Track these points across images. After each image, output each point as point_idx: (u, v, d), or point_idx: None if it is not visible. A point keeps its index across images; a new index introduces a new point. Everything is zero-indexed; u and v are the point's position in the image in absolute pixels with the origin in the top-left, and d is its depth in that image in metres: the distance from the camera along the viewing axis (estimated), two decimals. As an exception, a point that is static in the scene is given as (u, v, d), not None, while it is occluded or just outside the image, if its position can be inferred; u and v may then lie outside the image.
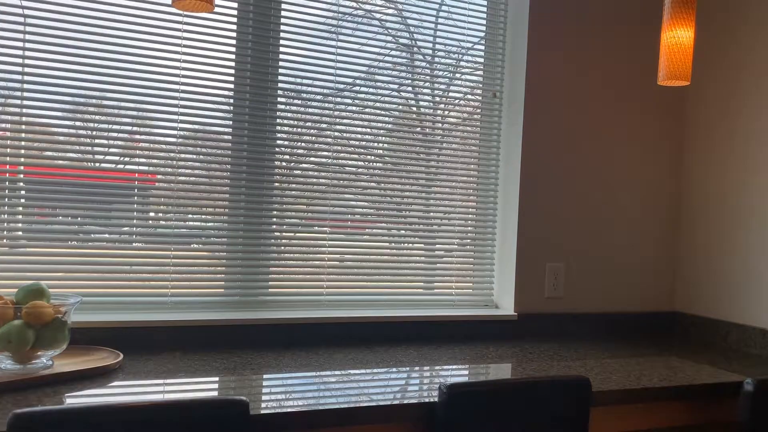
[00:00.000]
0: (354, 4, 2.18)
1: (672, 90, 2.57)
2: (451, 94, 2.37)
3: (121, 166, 1.96)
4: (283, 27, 2.08)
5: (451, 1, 2.31)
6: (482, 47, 2.38)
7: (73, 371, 1.52)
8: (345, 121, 2.17)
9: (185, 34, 1.95)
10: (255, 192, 2.06)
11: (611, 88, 2.46)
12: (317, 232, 2.15)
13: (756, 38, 2.30)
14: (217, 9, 1.99)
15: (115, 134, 1.93)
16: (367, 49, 2.19)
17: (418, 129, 2.30)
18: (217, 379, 1.59)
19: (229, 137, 2.03)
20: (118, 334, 1.83)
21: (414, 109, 2.31)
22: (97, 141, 1.92)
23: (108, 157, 1.94)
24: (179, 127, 1.96)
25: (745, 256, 2.31)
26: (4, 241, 1.84)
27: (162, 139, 1.95)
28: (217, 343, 1.93)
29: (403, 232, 2.29)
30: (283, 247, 2.11)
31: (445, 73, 2.35)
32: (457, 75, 2.36)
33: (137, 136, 1.95)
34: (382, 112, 2.23)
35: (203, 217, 2.03)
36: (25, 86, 1.81)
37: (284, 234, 2.11)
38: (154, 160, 1.96)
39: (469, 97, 2.38)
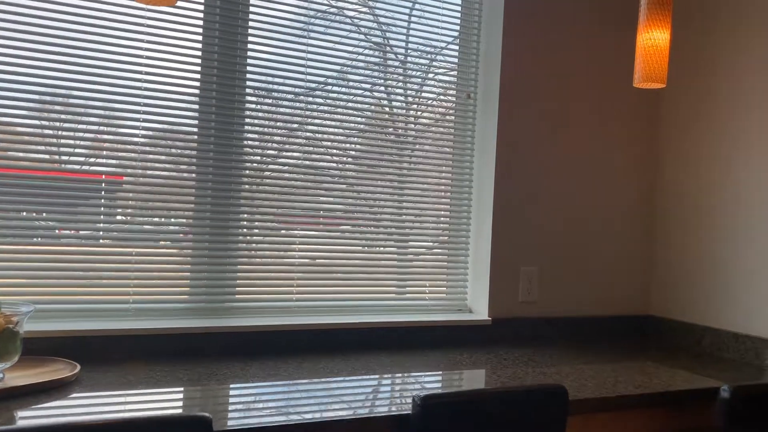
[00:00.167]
0: (326, 2, 2.12)
1: (647, 91, 2.56)
2: (424, 94, 2.32)
3: (86, 167, 1.87)
4: (251, 24, 2.00)
5: (424, 0, 2.27)
6: (456, 47, 2.34)
7: (25, 385, 1.43)
8: (316, 120, 2.11)
9: (150, 30, 1.87)
10: (222, 193, 1.99)
11: (586, 90, 2.44)
12: (287, 234, 2.09)
13: (729, 40, 2.30)
14: (183, 4, 1.91)
15: (81, 133, 1.84)
16: (339, 48, 2.13)
17: (391, 129, 2.24)
18: (181, 389, 1.52)
19: (195, 136, 1.95)
20: (75, 343, 1.74)
21: (387, 109, 2.26)
22: (53, 140, 1.83)
23: (72, 158, 1.85)
24: (142, 126, 1.87)
25: (719, 259, 2.31)
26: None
27: (126, 138, 1.87)
28: (181, 353, 1.85)
29: (375, 234, 2.23)
30: (252, 252, 2.04)
31: (419, 73, 2.30)
32: (431, 75, 2.31)
33: (102, 136, 1.86)
34: (355, 112, 2.17)
35: (168, 218, 1.95)
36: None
37: (253, 236, 2.04)
38: (113, 160, 1.87)
39: (443, 97, 2.34)
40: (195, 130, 1.95)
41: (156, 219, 1.93)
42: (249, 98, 2.01)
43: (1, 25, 1.73)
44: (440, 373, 1.83)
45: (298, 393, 1.55)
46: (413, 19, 2.27)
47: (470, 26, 2.34)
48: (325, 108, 2.12)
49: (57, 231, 1.84)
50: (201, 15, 1.94)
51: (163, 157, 1.92)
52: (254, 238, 2.04)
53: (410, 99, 2.30)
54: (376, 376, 1.74)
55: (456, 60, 2.34)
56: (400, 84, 2.27)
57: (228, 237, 1.99)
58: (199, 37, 1.94)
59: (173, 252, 1.95)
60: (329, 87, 2.12)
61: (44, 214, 1.82)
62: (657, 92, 2.59)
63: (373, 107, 2.22)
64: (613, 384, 1.77)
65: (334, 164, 2.15)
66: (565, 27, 2.39)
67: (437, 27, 2.29)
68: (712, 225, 2.34)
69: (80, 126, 1.84)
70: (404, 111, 2.28)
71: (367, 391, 1.61)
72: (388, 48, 2.24)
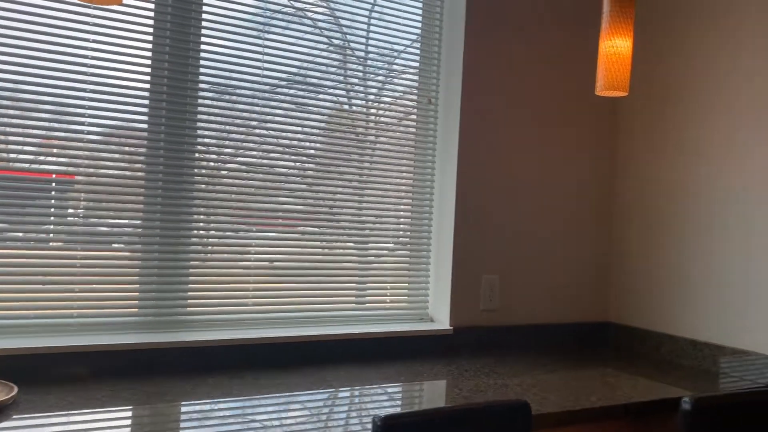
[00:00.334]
0: (284, 0, 2.05)
1: (607, 98, 2.56)
2: (384, 95, 2.27)
3: (36, 165, 1.76)
4: (205, 22, 1.92)
5: (384, 2, 2.21)
6: (418, 49, 2.29)
7: (-45, 411, 1.33)
8: (277, 118, 2.03)
9: (99, 23, 1.77)
10: (173, 193, 1.89)
11: (548, 96, 2.43)
12: (243, 237, 2.00)
13: (687, 47, 2.31)
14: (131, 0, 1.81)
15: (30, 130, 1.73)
16: (298, 47, 2.06)
17: (351, 133, 2.18)
18: (129, 410, 1.43)
19: (146, 133, 1.86)
20: (12, 363, 1.63)
21: (346, 107, 2.19)
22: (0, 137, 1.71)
23: (21, 156, 1.73)
24: (89, 122, 1.77)
25: (676, 265, 2.32)
26: None
27: (74, 135, 1.76)
28: (128, 371, 1.76)
29: (335, 236, 2.17)
30: (206, 256, 1.95)
31: (379, 73, 2.24)
32: (391, 76, 2.26)
33: (53, 133, 1.75)
34: (314, 111, 2.10)
35: (117, 221, 1.85)
36: None
37: (208, 239, 1.95)
38: (63, 159, 1.77)
39: (404, 100, 2.29)
40: (145, 126, 1.86)
41: (104, 222, 1.82)
42: (202, 95, 1.92)
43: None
44: (401, 386, 1.78)
45: (252, 412, 1.48)
46: (373, 20, 2.21)
47: (431, 29, 2.30)
48: (284, 107, 2.05)
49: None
50: (152, 10, 1.85)
51: (115, 156, 1.82)
52: (209, 240, 1.96)
53: (370, 100, 2.25)
54: (335, 392, 1.68)
55: (417, 62, 2.29)
56: (360, 84, 2.21)
57: (180, 239, 1.90)
58: (150, 30, 1.84)
59: (123, 255, 1.85)
60: (288, 86, 2.05)
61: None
62: (617, 99, 2.59)
63: (332, 107, 2.15)
64: (576, 396, 1.75)
65: (293, 164, 2.07)
66: (527, 32, 2.37)
67: (398, 28, 2.24)
68: (670, 233, 2.35)
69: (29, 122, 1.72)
70: (365, 111, 2.23)
71: (324, 410, 1.55)
72: (347, 48, 2.18)
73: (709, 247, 2.21)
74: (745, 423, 1.69)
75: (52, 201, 1.77)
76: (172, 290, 1.89)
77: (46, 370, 1.66)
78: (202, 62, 1.92)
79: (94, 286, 1.80)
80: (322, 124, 2.13)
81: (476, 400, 1.67)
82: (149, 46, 1.85)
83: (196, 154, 1.93)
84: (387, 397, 1.67)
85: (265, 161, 2.02)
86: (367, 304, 2.22)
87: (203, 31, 1.92)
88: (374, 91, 2.25)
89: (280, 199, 2.06)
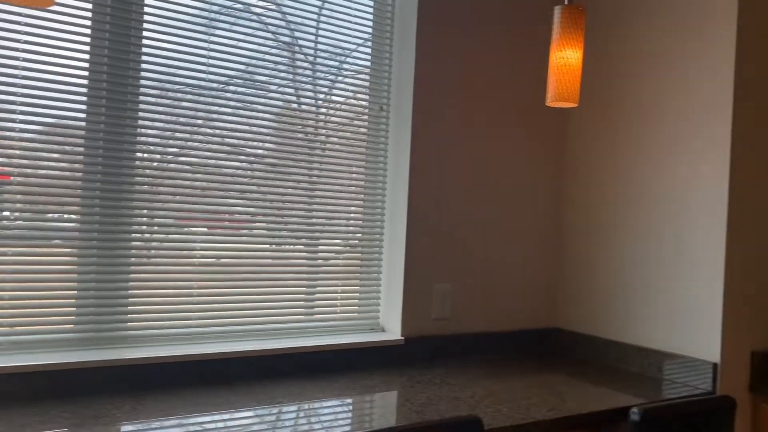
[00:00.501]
0: None
1: (557, 109, 2.58)
2: (335, 96, 2.22)
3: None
4: (147, 17, 1.83)
5: (334, 1, 2.16)
6: (369, 49, 2.25)
7: None
8: (224, 117, 1.96)
9: (32, 14, 1.67)
10: (113, 194, 1.79)
11: (501, 98, 2.42)
12: (187, 240, 1.92)
13: (634, 58, 2.35)
14: (66, -1, 1.72)
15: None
16: (245, 45, 2.00)
17: (301, 133, 2.13)
18: (60, 438, 1.35)
19: (83, 131, 1.76)
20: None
21: (295, 107, 2.13)
22: None
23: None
24: (19, 119, 1.66)
25: (622, 274, 2.35)
26: None
27: (6, 134, 1.66)
28: (64, 391, 1.65)
29: (283, 240, 2.11)
30: (146, 266, 1.86)
31: (329, 74, 2.19)
32: (342, 76, 2.21)
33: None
34: (262, 111, 2.04)
35: (50, 223, 1.74)
36: None
37: (150, 244, 1.86)
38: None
39: (354, 101, 2.25)
40: (83, 124, 1.76)
41: (38, 224, 1.72)
42: (144, 90, 1.84)
43: None
44: (351, 401, 1.74)
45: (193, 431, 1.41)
46: (323, 19, 2.16)
47: (383, 29, 2.27)
48: (231, 106, 1.98)
49: None
50: (90, 2, 1.75)
51: (52, 155, 1.71)
52: (152, 243, 1.87)
53: (320, 99, 2.19)
54: (283, 409, 1.63)
55: (369, 62, 2.25)
56: (309, 84, 2.15)
57: (120, 242, 1.80)
58: (88, 22, 1.75)
59: (58, 260, 1.74)
60: (234, 85, 1.98)
61: None
62: (566, 110, 2.62)
63: (281, 106, 2.09)
64: (526, 407, 1.75)
65: (240, 164, 2.00)
66: (479, 34, 2.36)
67: (348, 28, 2.19)
68: (616, 239, 2.38)
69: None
70: (314, 111, 2.17)
71: (267, 431, 1.49)
72: (296, 47, 2.12)
73: (652, 257, 2.25)
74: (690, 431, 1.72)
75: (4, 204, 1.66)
76: (112, 296, 1.80)
77: (-28, 393, 1.55)
78: (144, 58, 1.84)
79: (27, 293, 1.69)
80: (271, 124, 2.06)
81: (428, 413, 1.65)
82: (87, 39, 1.75)
83: (138, 153, 1.84)
84: (335, 416, 1.63)
85: (211, 161, 1.95)
86: (318, 315, 2.17)
87: (145, 27, 1.83)
88: (324, 90, 2.19)
89: (228, 200, 1.99)
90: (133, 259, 1.83)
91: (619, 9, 2.41)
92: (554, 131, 2.59)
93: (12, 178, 1.67)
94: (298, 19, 2.11)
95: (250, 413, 1.58)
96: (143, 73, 1.84)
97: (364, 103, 2.25)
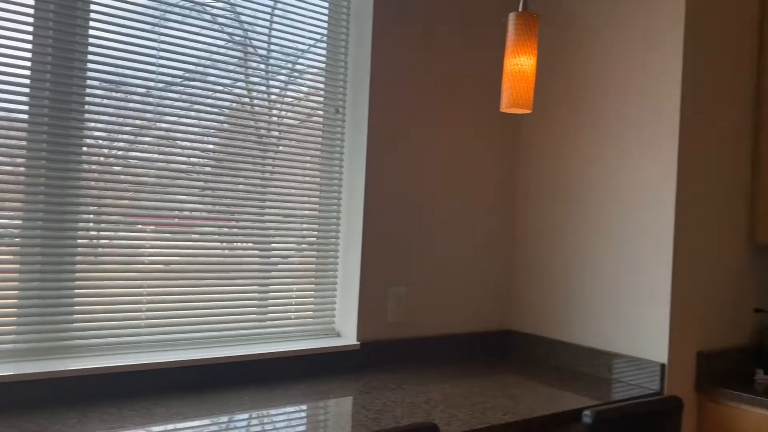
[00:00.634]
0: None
1: (511, 114, 2.60)
2: (289, 95, 2.18)
3: None
4: (93, 8, 1.77)
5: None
6: (324, 49, 2.22)
7: None
8: (175, 112, 1.91)
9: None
10: (57, 190, 1.72)
11: (457, 99, 2.43)
12: (136, 239, 1.87)
13: (584, 65, 2.39)
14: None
15: None
16: (196, 43, 1.95)
17: (254, 134, 2.09)
18: (-1, 456, 1.29)
19: (26, 124, 1.68)
20: None
21: (248, 106, 2.09)
22: None
23: None
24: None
25: (573, 275, 2.39)
26: None
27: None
28: (5, 405, 1.58)
29: (235, 242, 2.07)
30: (92, 265, 1.80)
31: (283, 72, 2.16)
32: (295, 76, 2.18)
33: None
34: (214, 107, 2.00)
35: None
36: None
37: (96, 246, 1.80)
38: None
39: (309, 102, 2.22)
40: (26, 117, 1.68)
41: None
42: (90, 84, 1.77)
43: None
44: (305, 409, 1.72)
45: (145, 450, 1.37)
46: (276, 18, 2.12)
47: (338, 29, 2.25)
48: (181, 104, 1.93)
49: None
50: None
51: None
52: (99, 243, 1.80)
53: (273, 100, 2.16)
54: (235, 419, 1.59)
55: (324, 62, 2.23)
56: (262, 84, 2.11)
57: (65, 239, 1.73)
58: (31, 11, 1.68)
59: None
60: (185, 82, 1.93)
61: None
62: (520, 115, 2.64)
63: (233, 105, 2.05)
64: (481, 411, 1.76)
65: (191, 162, 1.95)
66: (436, 34, 2.36)
67: (302, 27, 2.16)
68: (567, 241, 2.42)
69: None
70: (267, 110, 2.13)
71: (226, 440, 1.46)
72: (249, 46, 2.08)
73: (602, 257, 2.30)
74: (641, 432, 1.76)
75: None
76: (56, 304, 1.73)
77: None
78: (91, 49, 1.77)
79: (-37, 311, 1.61)
80: (223, 122, 2.02)
81: (384, 420, 1.64)
82: (30, 31, 1.68)
83: (84, 148, 1.77)
84: (288, 423, 1.61)
85: (160, 159, 1.89)
86: (272, 320, 2.13)
87: (92, 20, 1.77)
88: (278, 89, 2.16)
89: (178, 197, 1.93)
90: (78, 258, 1.76)
91: (571, 17, 2.45)
92: (507, 134, 2.61)
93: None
94: (251, 18, 2.08)
95: (203, 423, 1.54)
96: (90, 65, 1.77)
97: (319, 102, 2.22)
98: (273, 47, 2.13)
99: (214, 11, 2.00)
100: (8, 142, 1.67)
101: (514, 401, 1.88)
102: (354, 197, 2.24)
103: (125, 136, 1.85)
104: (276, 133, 2.14)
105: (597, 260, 2.32)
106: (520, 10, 1.83)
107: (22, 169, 1.69)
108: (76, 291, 1.76)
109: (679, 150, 2.12)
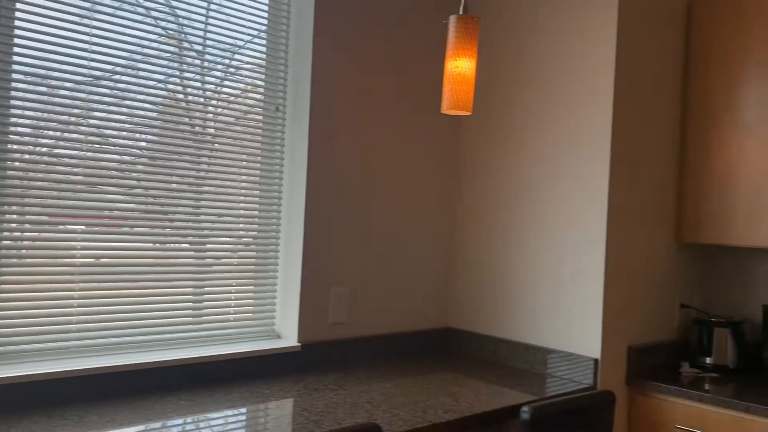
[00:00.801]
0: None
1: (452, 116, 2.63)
2: (225, 91, 2.13)
3: None
4: (19, 4, 1.69)
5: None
6: (263, 46, 2.19)
7: None
8: (105, 107, 1.84)
9: None
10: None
11: (399, 97, 2.44)
12: (65, 239, 1.79)
13: (521, 68, 2.44)
14: None
15: None
16: (128, 36, 1.88)
17: (189, 131, 2.03)
18: None
19: None
20: None
21: (182, 102, 2.04)
22: None
23: None
24: None
25: (510, 273, 2.44)
26: None
27: None
28: None
29: (169, 242, 2.01)
30: (18, 267, 1.71)
31: (219, 67, 2.11)
32: (232, 71, 2.13)
33: None
34: (146, 102, 1.93)
35: None
36: None
37: (21, 245, 1.71)
38: None
39: (247, 98, 2.18)
40: None
41: None
42: (15, 77, 1.69)
43: None
44: (245, 412, 1.69)
45: (77, 461, 1.31)
46: (213, 11, 2.07)
47: (278, 24, 2.22)
48: (111, 98, 1.86)
49: None
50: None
51: None
52: (23, 243, 1.72)
53: (208, 96, 2.11)
54: (169, 425, 1.55)
55: (264, 58, 2.19)
56: (197, 80, 2.06)
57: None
58: None
59: None
60: (116, 76, 1.86)
61: None
62: (460, 117, 2.67)
63: (166, 100, 1.99)
64: (423, 410, 1.77)
65: (121, 158, 1.88)
66: (378, 31, 2.36)
67: (241, 22, 2.12)
68: (504, 243, 2.47)
69: None
70: (202, 106, 2.08)
71: (163, 448, 1.42)
72: (184, 41, 2.03)
73: (538, 255, 2.35)
74: (579, 427, 1.81)
75: None
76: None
77: None
78: (16, 41, 1.69)
79: None
80: (155, 117, 1.96)
81: (326, 422, 1.63)
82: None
83: (9, 145, 1.68)
84: (226, 427, 1.57)
85: (89, 155, 1.82)
86: (211, 323, 2.09)
87: (18, 9, 1.68)
88: (214, 84, 2.10)
89: (107, 195, 1.86)
90: (2, 260, 1.68)
91: (509, 20, 2.50)
92: (448, 134, 2.64)
93: None
94: (185, 13, 2.02)
95: (137, 430, 1.50)
96: (15, 57, 1.69)
97: (258, 99, 2.19)
98: (209, 42, 2.08)
99: (148, 4, 1.94)
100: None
101: (454, 399, 1.90)
102: (295, 196, 2.22)
103: (52, 133, 1.77)
104: (212, 130, 2.09)
105: (533, 259, 2.38)
106: (460, 12, 1.85)
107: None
108: (2, 287, 1.68)
109: (612, 152, 2.19)
